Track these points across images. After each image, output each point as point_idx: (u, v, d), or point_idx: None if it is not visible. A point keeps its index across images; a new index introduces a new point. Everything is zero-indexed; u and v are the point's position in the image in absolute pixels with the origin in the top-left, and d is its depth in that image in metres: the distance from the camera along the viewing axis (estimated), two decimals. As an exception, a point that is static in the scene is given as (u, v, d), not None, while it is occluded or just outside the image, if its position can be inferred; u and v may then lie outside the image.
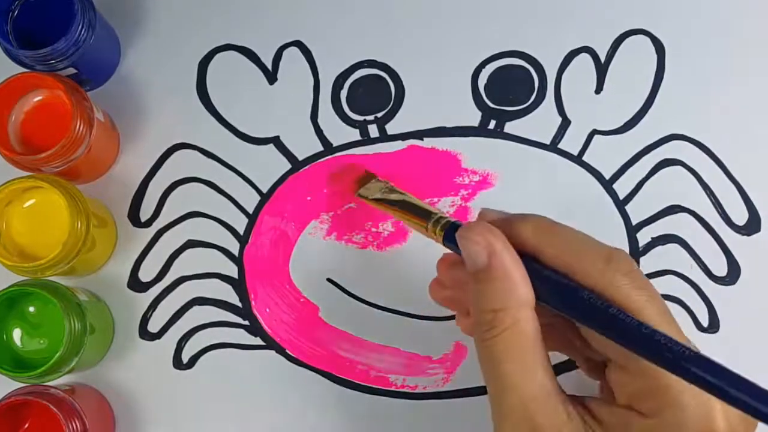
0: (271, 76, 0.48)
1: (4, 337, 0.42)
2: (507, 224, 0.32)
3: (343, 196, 0.45)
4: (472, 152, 0.46)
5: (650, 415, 0.29)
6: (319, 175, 0.46)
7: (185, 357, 0.45)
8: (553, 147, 0.46)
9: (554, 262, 0.31)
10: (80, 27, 0.42)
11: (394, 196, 0.41)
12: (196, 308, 0.45)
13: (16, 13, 0.44)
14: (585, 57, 0.47)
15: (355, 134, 0.47)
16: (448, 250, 0.35)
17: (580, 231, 0.32)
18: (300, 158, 0.47)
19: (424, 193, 0.46)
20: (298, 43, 0.48)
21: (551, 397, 0.30)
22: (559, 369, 0.43)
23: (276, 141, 0.47)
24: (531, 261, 0.31)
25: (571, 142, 0.46)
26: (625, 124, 0.46)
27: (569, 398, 0.31)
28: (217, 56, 0.48)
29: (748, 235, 0.45)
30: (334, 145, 0.47)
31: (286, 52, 0.48)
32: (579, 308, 0.30)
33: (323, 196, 0.46)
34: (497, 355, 0.30)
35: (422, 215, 0.37)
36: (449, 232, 0.34)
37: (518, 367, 0.30)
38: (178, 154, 0.47)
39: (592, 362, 0.34)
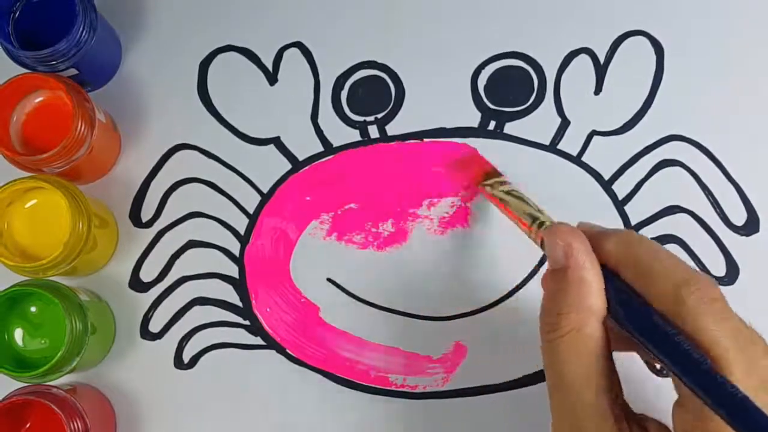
0: (272, 77, 0.48)
1: (6, 336, 0.42)
2: (595, 236, 0.32)
3: (465, 182, 0.45)
4: (472, 153, 0.46)
5: None
6: (320, 176, 0.46)
7: (186, 357, 0.45)
8: (552, 147, 0.46)
9: (632, 279, 0.30)
10: (81, 28, 0.42)
11: (510, 196, 0.41)
12: (197, 308, 0.46)
13: (17, 14, 0.44)
14: (584, 58, 0.47)
15: (355, 135, 0.47)
16: None
17: (669, 253, 0.31)
18: (300, 158, 0.47)
19: (424, 192, 0.46)
20: (298, 44, 0.48)
21: (606, 410, 0.29)
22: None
23: (276, 141, 0.47)
24: (612, 276, 0.30)
25: (570, 143, 0.46)
26: (625, 124, 0.46)
27: (630, 416, 0.30)
28: (218, 57, 0.48)
29: (747, 235, 0.45)
30: (335, 145, 0.47)
31: (286, 53, 0.48)
32: (648, 334, 0.29)
33: (324, 196, 0.46)
34: (560, 356, 0.30)
35: (531, 218, 0.38)
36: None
37: (578, 370, 0.29)
38: (179, 155, 0.47)
39: None
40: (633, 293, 0.30)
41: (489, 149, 0.46)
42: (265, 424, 0.44)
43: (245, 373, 0.45)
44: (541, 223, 0.37)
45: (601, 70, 0.47)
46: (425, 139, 0.46)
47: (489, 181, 0.44)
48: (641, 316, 0.29)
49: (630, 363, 0.33)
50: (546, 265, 0.36)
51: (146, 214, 0.47)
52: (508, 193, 0.42)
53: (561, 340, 0.30)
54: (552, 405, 0.31)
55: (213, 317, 0.45)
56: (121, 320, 0.46)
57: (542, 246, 0.36)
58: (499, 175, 0.44)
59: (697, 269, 0.31)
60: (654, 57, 0.47)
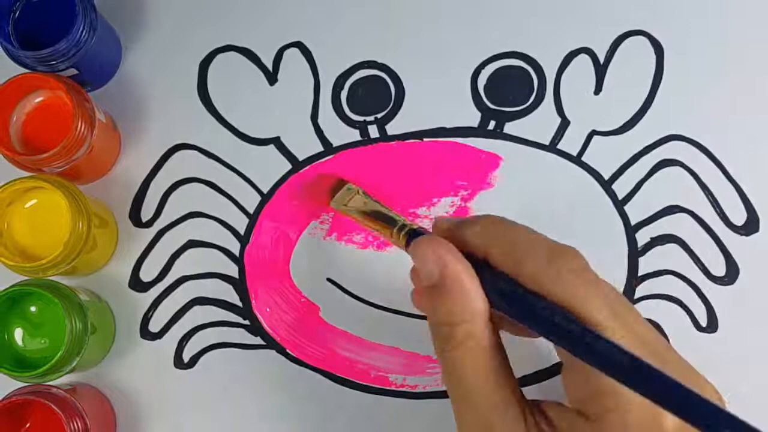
0: (272, 77, 0.48)
1: (6, 336, 0.42)
2: (458, 228, 0.32)
3: (313, 208, 0.45)
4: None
5: (595, 419, 0.29)
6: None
7: (186, 356, 0.45)
8: (552, 147, 0.46)
9: (503, 261, 0.31)
10: (81, 28, 0.42)
11: (365, 206, 0.41)
12: (196, 308, 0.46)
13: (17, 14, 0.44)
14: (584, 58, 0.47)
15: (355, 135, 0.47)
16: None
17: (532, 230, 0.32)
18: (300, 158, 0.47)
19: (424, 192, 0.46)
20: (298, 44, 0.48)
21: (510, 407, 0.30)
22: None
23: (276, 141, 0.47)
24: (482, 266, 0.31)
25: (570, 143, 0.46)
26: (624, 124, 0.46)
27: (529, 405, 0.31)
28: (218, 57, 0.48)
29: (747, 235, 0.45)
30: (335, 145, 0.47)
31: (286, 53, 0.48)
32: (525, 314, 0.30)
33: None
34: (456, 368, 0.31)
35: (389, 222, 0.38)
36: (411, 239, 0.35)
37: (476, 380, 0.30)
38: (179, 155, 0.47)
39: None
40: (504, 278, 0.31)
41: (489, 149, 0.46)
42: (264, 423, 0.44)
43: (245, 373, 0.45)
44: (402, 226, 0.36)
45: (601, 70, 0.47)
46: (425, 139, 0.46)
47: (337, 196, 0.43)
48: (519, 301, 0.30)
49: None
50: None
51: (146, 214, 0.47)
52: (361, 201, 0.41)
53: (458, 351, 0.30)
54: (459, 424, 0.31)
55: (213, 317, 0.45)
56: (121, 320, 0.46)
57: (407, 250, 0.35)
58: (343, 184, 0.43)
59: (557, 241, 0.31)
60: (654, 57, 0.47)
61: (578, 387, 0.30)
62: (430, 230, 0.35)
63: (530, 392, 0.43)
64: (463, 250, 0.32)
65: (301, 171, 0.47)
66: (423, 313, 0.44)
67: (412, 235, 0.35)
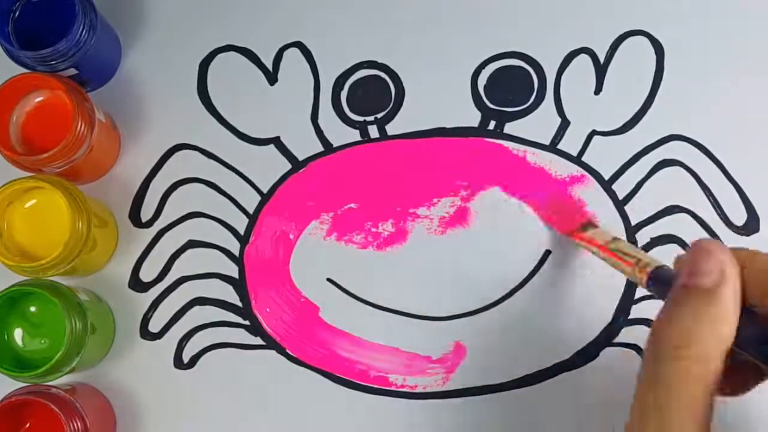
0: (272, 77, 0.48)
1: (6, 336, 0.42)
2: (743, 258, 0.30)
3: (561, 224, 0.45)
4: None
5: None
6: (320, 176, 0.46)
7: (186, 357, 0.45)
8: (552, 147, 0.46)
9: (756, 296, 0.29)
10: (81, 28, 0.42)
11: (611, 245, 0.41)
12: (196, 308, 0.46)
13: (17, 14, 0.44)
14: (584, 58, 0.47)
15: (355, 135, 0.47)
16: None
17: None
18: (300, 158, 0.47)
19: (424, 192, 0.46)
20: (298, 44, 0.48)
21: None
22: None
23: (276, 141, 0.47)
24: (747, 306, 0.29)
25: (570, 143, 0.46)
26: (625, 124, 0.46)
27: None
28: (218, 57, 0.48)
29: (747, 235, 0.45)
30: (335, 145, 0.47)
31: (286, 53, 0.48)
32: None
33: (329, 196, 0.46)
34: (680, 376, 0.28)
35: (631, 258, 0.37)
36: (656, 275, 0.34)
37: (693, 396, 0.28)
38: (178, 155, 0.47)
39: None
40: (756, 315, 0.29)
41: (489, 149, 0.46)
42: (264, 423, 0.44)
43: (245, 373, 0.45)
44: (642, 262, 0.36)
45: (601, 70, 0.47)
46: (425, 139, 0.46)
47: (588, 232, 0.43)
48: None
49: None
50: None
51: (146, 214, 0.47)
52: (609, 242, 0.41)
53: (682, 363, 0.28)
54: (646, 419, 0.29)
55: (213, 317, 0.45)
56: (121, 320, 0.46)
57: (647, 285, 0.35)
58: (595, 226, 0.44)
59: None
60: (654, 57, 0.47)
61: None
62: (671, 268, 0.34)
63: (530, 392, 0.43)
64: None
65: (301, 171, 0.47)
66: (427, 314, 0.45)
67: (655, 275, 0.35)
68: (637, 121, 0.46)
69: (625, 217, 0.45)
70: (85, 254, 0.42)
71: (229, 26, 0.48)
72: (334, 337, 0.45)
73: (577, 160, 0.46)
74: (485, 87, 0.47)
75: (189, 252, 0.46)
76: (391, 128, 0.47)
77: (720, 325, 0.28)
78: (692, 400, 0.28)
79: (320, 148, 0.47)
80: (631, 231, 0.45)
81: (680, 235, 0.45)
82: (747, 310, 0.29)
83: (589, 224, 0.44)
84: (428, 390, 0.44)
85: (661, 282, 0.34)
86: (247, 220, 0.46)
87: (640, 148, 0.46)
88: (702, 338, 0.28)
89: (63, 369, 0.41)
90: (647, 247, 0.45)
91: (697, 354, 0.28)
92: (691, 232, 0.45)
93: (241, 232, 0.46)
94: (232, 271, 0.46)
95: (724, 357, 0.28)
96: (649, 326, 0.43)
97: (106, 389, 0.45)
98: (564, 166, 0.46)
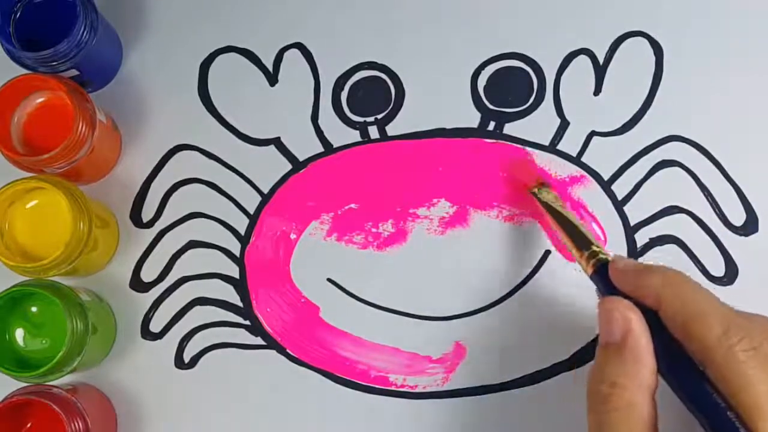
0: (272, 78, 0.48)
1: (7, 336, 0.42)
2: (638, 275, 0.33)
3: (514, 186, 0.45)
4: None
5: None
6: (320, 176, 0.47)
7: (187, 357, 0.45)
8: (552, 148, 0.46)
9: (673, 319, 0.31)
10: (82, 29, 0.42)
11: (563, 210, 0.42)
12: (197, 308, 0.46)
13: (18, 15, 0.44)
14: (584, 59, 0.47)
15: (355, 135, 0.47)
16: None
17: (714, 296, 0.31)
18: (301, 159, 0.47)
19: (424, 192, 0.46)
20: (298, 45, 0.48)
21: None
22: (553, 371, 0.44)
23: (277, 142, 0.47)
24: (655, 325, 0.31)
25: (569, 143, 0.46)
26: (624, 125, 0.46)
27: None
28: (219, 58, 0.48)
29: (746, 235, 0.45)
30: (335, 146, 0.47)
31: (286, 54, 0.48)
32: (689, 391, 0.30)
33: (329, 197, 0.46)
34: (610, 428, 0.30)
35: (582, 242, 0.39)
36: (601, 269, 0.37)
37: None
38: (179, 155, 0.47)
39: None
40: (678, 349, 0.31)
41: (489, 150, 0.46)
42: (265, 423, 0.44)
43: (245, 373, 0.45)
44: (594, 254, 0.38)
45: (600, 71, 0.47)
46: (425, 140, 0.46)
47: (540, 190, 0.43)
48: (691, 382, 0.30)
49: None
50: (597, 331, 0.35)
51: (147, 215, 0.47)
52: (559, 205, 0.42)
53: (614, 414, 0.30)
54: None
55: (213, 317, 0.46)
56: (122, 320, 0.46)
57: (591, 276, 0.37)
58: (547, 185, 0.44)
59: (739, 311, 0.31)
60: (653, 57, 0.47)
61: None
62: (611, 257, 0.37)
63: (530, 392, 0.44)
64: (636, 295, 0.32)
65: (301, 171, 0.47)
66: (426, 314, 0.45)
67: (603, 267, 0.36)
68: (637, 122, 0.46)
69: (624, 218, 0.45)
70: (86, 254, 0.42)
71: (229, 27, 0.48)
72: (334, 337, 0.45)
73: (576, 160, 0.46)
74: (485, 88, 0.47)
75: (190, 252, 0.46)
76: (391, 129, 0.47)
77: (638, 373, 0.30)
78: None
79: (320, 149, 0.47)
80: (631, 231, 0.45)
81: (679, 236, 0.45)
82: (664, 339, 0.31)
83: (545, 184, 0.44)
84: (428, 390, 0.44)
85: (603, 278, 0.36)
86: (247, 220, 0.46)
87: (639, 149, 0.46)
88: (626, 387, 0.30)
89: (64, 369, 0.41)
90: (646, 248, 0.45)
91: (627, 402, 0.30)
92: (691, 233, 0.45)
93: (242, 232, 0.46)
94: (233, 271, 0.46)
95: (652, 398, 0.30)
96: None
97: (107, 389, 0.45)
98: (563, 167, 0.46)
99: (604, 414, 0.30)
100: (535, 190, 0.43)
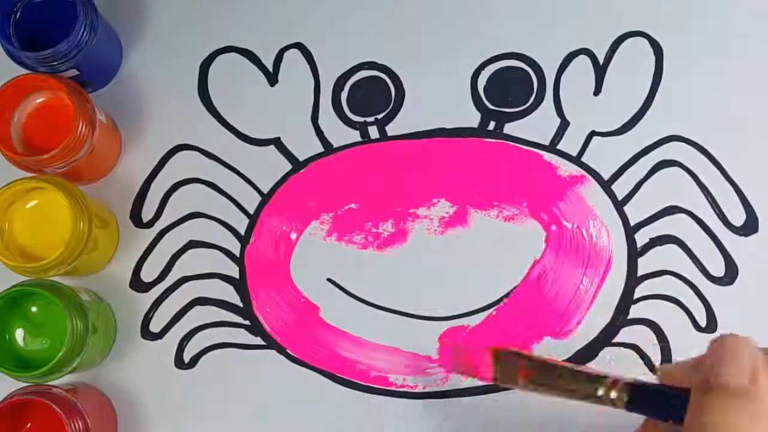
0: (272, 78, 0.48)
1: (7, 336, 0.42)
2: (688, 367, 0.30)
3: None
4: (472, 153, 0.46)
5: None
6: (320, 176, 0.47)
7: (187, 357, 0.45)
8: (552, 148, 0.46)
9: None
10: (82, 29, 0.42)
11: (544, 375, 0.35)
12: (197, 308, 0.46)
13: (18, 15, 0.44)
14: (583, 59, 0.47)
15: (355, 135, 0.47)
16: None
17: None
18: (300, 159, 0.47)
19: (424, 192, 0.46)
20: (298, 45, 0.48)
21: None
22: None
23: (277, 142, 0.47)
24: None
25: (570, 143, 0.46)
26: (624, 125, 0.46)
27: None
28: (219, 58, 0.48)
29: (746, 235, 0.45)
30: (335, 146, 0.47)
31: (286, 54, 0.48)
32: None
33: (329, 197, 0.46)
34: None
35: (590, 381, 0.33)
36: (636, 393, 0.32)
37: None
38: (179, 155, 0.47)
39: None
40: None
41: (489, 149, 0.46)
42: (265, 423, 0.44)
43: (245, 373, 0.45)
44: (614, 383, 0.32)
45: (600, 71, 0.47)
46: (425, 140, 0.46)
47: (503, 374, 0.36)
48: None
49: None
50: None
51: (147, 215, 0.47)
52: (535, 368, 0.35)
53: None
54: None
55: (213, 317, 0.46)
56: (122, 320, 0.46)
57: (628, 407, 0.32)
58: (500, 355, 0.37)
59: None
60: (653, 57, 0.47)
61: None
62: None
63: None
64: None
65: (301, 171, 0.47)
66: (427, 314, 0.45)
67: (632, 390, 0.32)
68: (637, 122, 0.46)
69: (624, 218, 0.45)
70: (86, 254, 0.42)
71: (229, 27, 0.48)
72: (334, 337, 0.45)
73: (576, 160, 0.46)
74: (485, 88, 0.47)
75: (190, 252, 0.46)
76: (391, 129, 0.47)
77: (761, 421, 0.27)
78: None
79: (320, 149, 0.47)
80: (631, 231, 0.45)
81: (679, 236, 0.45)
82: None
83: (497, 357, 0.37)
84: (428, 390, 0.44)
85: (644, 394, 0.31)
86: (247, 220, 0.46)
87: (639, 149, 0.46)
88: None
89: (64, 369, 0.41)
90: (646, 248, 0.45)
91: None
92: (691, 233, 0.45)
93: (242, 232, 0.46)
94: (233, 271, 0.46)
95: None
96: (648, 326, 0.43)
97: (107, 389, 0.45)
98: (564, 167, 0.46)
99: None
100: (501, 377, 0.36)
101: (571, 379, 0.33)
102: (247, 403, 0.45)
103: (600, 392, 0.32)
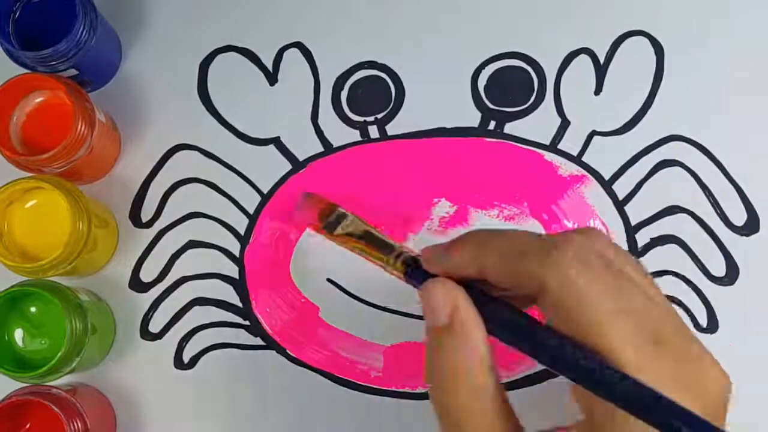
0: (272, 77, 0.48)
1: (6, 337, 0.42)
2: (447, 258, 0.31)
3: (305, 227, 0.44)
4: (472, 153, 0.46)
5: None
6: (320, 176, 0.46)
7: (186, 357, 0.45)
8: (552, 147, 0.46)
9: (499, 275, 0.29)
10: (82, 28, 0.42)
11: (356, 230, 0.39)
12: (197, 308, 0.46)
13: (17, 14, 0.44)
14: (584, 58, 0.47)
15: (355, 135, 0.47)
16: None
17: (526, 231, 0.30)
18: (300, 159, 0.47)
19: (424, 192, 0.46)
20: (298, 45, 0.48)
21: None
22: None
23: (276, 142, 0.47)
24: (482, 296, 0.30)
25: (570, 143, 0.46)
26: (625, 125, 0.46)
27: None
28: (218, 57, 0.48)
29: (747, 235, 0.45)
30: (335, 145, 0.47)
31: (286, 54, 0.48)
32: (529, 349, 0.29)
33: (329, 196, 0.46)
34: (460, 417, 0.29)
35: (384, 249, 0.36)
36: (411, 269, 0.34)
37: (481, 423, 0.29)
38: (179, 155, 0.47)
39: None
40: (504, 308, 0.30)
41: (489, 149, 0.46)
42: (265, 424, 0.44)
43: (245, 373, 0.45)
44: (399, 254, 0.35)
45: (601, 71, 0.47)
46: (425, 139, 0.46)
47: (327, 222, 0.40)
48: (522, 335, 0.29)
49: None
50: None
51: (146, 215, 0.47)
52: (352, 225, 0.40)
53: (460, 403, 0.29)
54: None
55: (213, 318, 0.45)
56: (121, 320, 0.46)
57: (407, 279, 0.34)
58: (335, 208, 0.41)
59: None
60: (654, 57, 0.47)
61: (584, 413, 0.29)
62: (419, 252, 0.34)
63: (530, 392, 0.43)
64: (458, 276, 0.31)
65: (301, 171, 0.47)
66: (420, 314, 0.44)
67: (410, 264, 0.34)
68: (637, 122, 0.46)
69: (625, 218, 0.45)
70: (85, 254, 0.42)
71: (229, 26, 0.48)
72: (334, 337, 0.45)
73: (577, 160, 0.46)
74: (485, 87, 0.47)
75: (189, 252, 0.46)
76: (391, 128, 0.47)
77: (472, 352, 0.29)
78: (482, 427, 0.29)
79: (320, 149, 0.47)
80: (631, 231, 0.45)
81: (680, 236, 0.45)
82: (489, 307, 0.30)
83: (327, 210, 0.41)
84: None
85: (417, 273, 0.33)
86: (247, 220, 0.46)
87: (640, 149, 0.46)
88: (462, 375, 0.29)
89: (63, 369, 0.41)
90: (647, 248, 0.45)
91: (467, 390, 0.29)
92: (691, 233, 0.45)
93: (242, 232, 0.46)
94: (233, 271, 0.46)
95: (492, 371, 0.29)
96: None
97: (106, 389, 0.45)
98: (564, 166, 0.46)
99: (450, 406, 0.29)
100: (325, 227, 0.40)
101: (373, 240, 0.38)
102: (247, 403, 0.45)
103: (385, 261, 0.36)
